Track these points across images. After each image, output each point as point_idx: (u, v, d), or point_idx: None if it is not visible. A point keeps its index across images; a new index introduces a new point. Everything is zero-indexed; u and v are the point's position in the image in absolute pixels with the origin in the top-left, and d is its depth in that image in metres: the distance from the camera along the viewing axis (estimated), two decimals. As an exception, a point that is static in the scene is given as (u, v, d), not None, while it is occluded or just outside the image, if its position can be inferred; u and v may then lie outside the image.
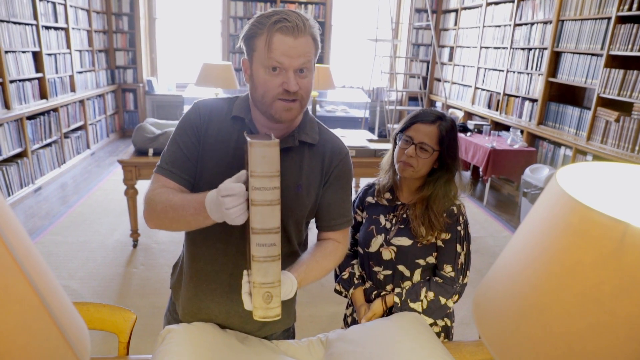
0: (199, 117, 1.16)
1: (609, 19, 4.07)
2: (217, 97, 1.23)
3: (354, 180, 4.98)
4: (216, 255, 1.19)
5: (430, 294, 1.41)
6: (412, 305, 1.41)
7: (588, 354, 0.46)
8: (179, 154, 1.14)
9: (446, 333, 1.51)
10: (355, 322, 1.49)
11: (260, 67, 1.04)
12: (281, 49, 1.01)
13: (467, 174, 5.95)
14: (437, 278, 1.44)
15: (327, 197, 1.21)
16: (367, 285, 1.54)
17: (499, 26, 5.97)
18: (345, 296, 1.58)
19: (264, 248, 0.92)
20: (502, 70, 5.84)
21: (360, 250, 1.55)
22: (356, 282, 1.55)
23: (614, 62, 4.09)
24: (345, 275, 1.57)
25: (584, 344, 0.46)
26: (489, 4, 6.20)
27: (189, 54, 7.52)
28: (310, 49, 1.05)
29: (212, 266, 1.21)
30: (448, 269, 1.43)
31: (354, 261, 1.60)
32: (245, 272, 0.99)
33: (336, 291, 1.61)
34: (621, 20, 3.98)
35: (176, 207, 1.03)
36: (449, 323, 1.52)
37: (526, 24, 5.41)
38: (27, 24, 4.72)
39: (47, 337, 0.46)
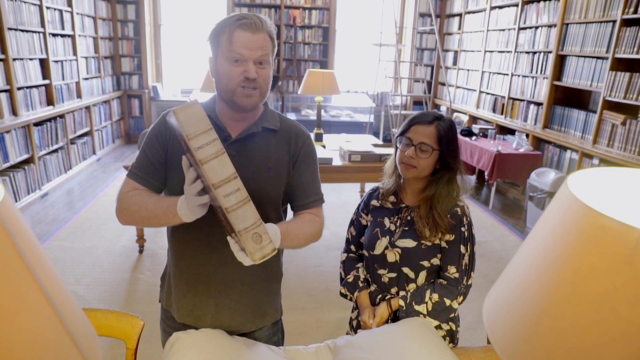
0: (164, 125, 1.25)
1: (614, 21, 4.06)
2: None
3: (358, 185, 5.01)
4: (200, 247, 1.26)
5: (435, 296, 1.42)
6: (417, 307, 1.41)
7: (602, 361, 0.46)
8: (145, 161, 1.25)
9: (451, 337, 1.51)
10: (360, 325, 1.49)
11: (224, 60, 1.17)
12: (241, 42, 1.14)
13: (473, 178, 5.93)
14: (441, 280, 1.45)
15: (298, 177, 1.31)
16: (372, 288, 1.54)
17: (503, 30, 5.96)
18: (351, 299, 1.59)
19: (232, 196, 0.96)
20: (507, 74, 5.83)
21: (366, 253, 1.56)
22: (361, 285, 1.56)
23: (620, 65, 4.08)
24: (350, 278, 1.58)
25: (598, 352, 0.46)
26: (492, 8, 6.19)
27: (193, 60, 7.56)
28: (267, 44, 1.18)
29: (199, 259, 1.27)
30: (452, 270, 1.43)
31: (359, 264, 1.61)
32: (229, 238, 1.04)
33: (341, 294, 1.61)
34: (626, 23, 3.97)
35: (149, 208, 1.16)
36: (453, 327, 1.51)
37: (530, 28, 5.40)
38: (35, 32, 4.76)
39: (59, 345, 0.46)
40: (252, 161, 1.24)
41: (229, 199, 0.96)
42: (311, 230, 1.28)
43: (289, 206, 1.40)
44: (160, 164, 1.24)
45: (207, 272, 1.28)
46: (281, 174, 1.28)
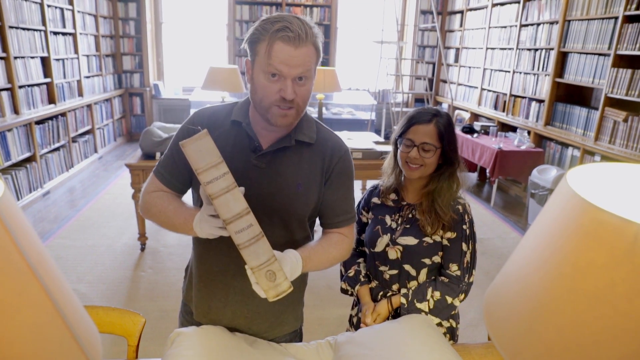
0: (194, 126, 1.19)
1: (616, 18, 4.04)
2: (219, 104, 1.26)
3: (360, 182, 5.00)
4: (220, 256, 1.22)
5: (437, 294, 1.42)
6: (418, 305, 1.41)
7: (602, 357, 0.46)
8: (171, 161, 1.21)
9: (451, 334, 1.51)
10: (360, 322, 1.50)
11: (261, 72, 1.06)
12: (281, 57, 1.03)
13: (474, 175, 5.93)
14: (443, 277, 1.45)
15: (330, 195, 1.22)
16: (374, 284, 1.54)
17: (505, 27, 5.95)
18: (351, 294, 1.59)
19: (244, 232, 0.93)
20: (509, 71, 5.82)
21: (367, 250, 1.56)
22: (362, 279, 1.56)
23: (622, 61, 4.07)
24: (351, 273, 1.58)
25: (597, 346, 0.46)
26: (494, 5, 6.18)
27: (195, 58, 7.56)
28: (310, 58, 1.07)
29: (218, 267, 1.23)
30: (454, 268, 1.43)
31: (360, 259, 1.61)
32: (246, 267, 1.01)
33: (342, 290, 1.61)
34: (628, 19, 3.95)
35: (169, 215, 1.14)
36: (454, 324, 1.52)
37: (532, 25, 5.39)
38: (36, 30, 4.77)
39: (60, 341, 0.46)
40: (281, 176, 1.15)
41: (240, 236, 0.93)
42: (337, 254, 1.21)
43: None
44: (185, 166, 1.16)
45: (226, 281, 1.23)
46: (311, 191, 1.19)
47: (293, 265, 1.04)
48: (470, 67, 6.93)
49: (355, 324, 1.60)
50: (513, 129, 5.70)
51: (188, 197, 1.30)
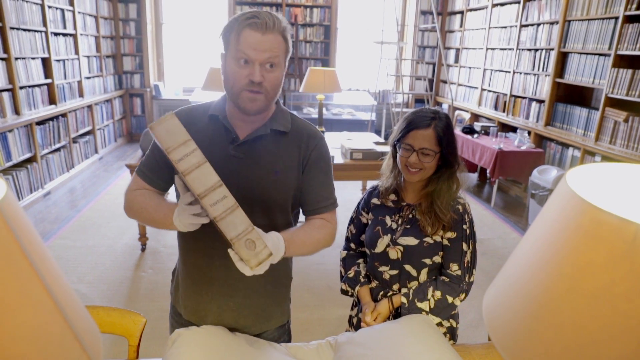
0: None
1: (616, 18, 4.04)
2: (197, 103, 1.31)
3: (360, 182, 5.01)
4: (204, 249, 1.25)
5: (437, 293, 1.42)
6: (419, 305, 1.42)
7: (601, 356, 0.46)
8: (152, 160, 1.25)
9: (451, 334, 1.51)
10: (360, 322, 1.50)
11: (232, 60, 1.12)
12: (249, 42, 1.09)
13: (474, 176, 5.93)
14: (443, 277, 1.45)
15: (309, 181, 1.26)
16: (374, 284, 1.54)
17: (505, 27, 5.95)
18: (352, 295, 1.59)
19: (219, 204, 0.96)
20: (509, 72, 5.82)
21: (367, 251, 1.56)
22: (362, 280, 1.56)
23: (622, 61, 4.07)
24: (351, 273, 1.58)
25: (596, 346, 0.46)
26: (494, 5, 6.18)
27: (195, 59, 7.57)
28: (278, 46, 1.12)
29: (203, 260, 1.26)
30: (454, 268, 1.44)
31: (360, 260, 1.61)
32: (229, 250, 1.03)
33: (342, 291, 1.61)
34: (629, 19, 3.95)
35: (150, 212, 1.17)
36: (454, 324, 1.52)
37: (532, 25, 5.39)
38: (37, 31, 4.77)
39: (61, 341, 0.47)
40: (259, 164, 1.20)
41: (215, 208, 0.95)
42: (320, 237, 1.24)
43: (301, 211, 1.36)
44: (165, 164, 1.22)
45: (211, 274, 1.26)
46: (289, 177, 1.23)
47: (275, 244, 1.05)
48: (470, 68, 6.93)
49: (355, 325, 1.60)
50: (513, 129, 5.70)
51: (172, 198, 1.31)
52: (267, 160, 1.21)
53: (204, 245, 1.24)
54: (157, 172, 1.24)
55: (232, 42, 1.11)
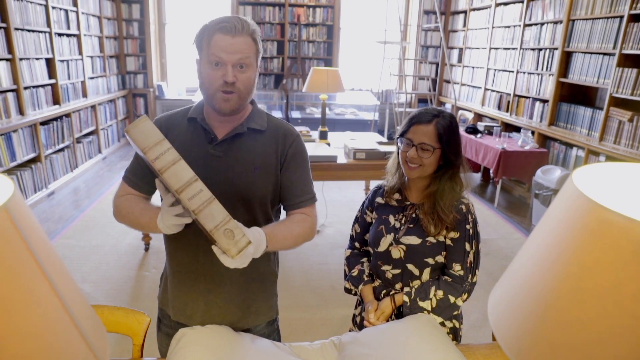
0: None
1: (621, 17, 4.03)
2: (177, 109, 1.37)
3: (363, 182, 5.00)
4: (189, 247, 1.28)
5: (440, 293, 1.42)
6: (421, 304, 1.41)
7: (608, 356, 0.46)
8: (136, 165, 1.30)
9: (454, 335, 1.51)
10: (364, 321, 1.50)
11: (205, 63, 1.18)
12: (220, 45, 1.15)
13: (477, 176, 5.92)
14: (446, 277, 1.45)
15: (288, 177, 1.30)
16: (376, 283, 1.54)
17: (509, 27, 5.93)
18: (355, 293, 1.59)
19: (195, 198, 0.99)
20: (512, 71, 5.81)
21: (371, 250, 1.56)
22: (365, 279, 1.56)
23: (627, 61, 4.05)
24: (355, 272, 1.59)
25: (604, 347, 0.46)
26: (498, 5, 6.16)
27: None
28: (248, 48, 1.18)
29: (188, 257, 1.29)
30: (457, 268, 1.43)
31: (364, 259, 1.62)
32: (213, 247, 1.05)
33: (346, 290, 1.62)
34: (633, 18, 3.94)
35: (136, 215, 1.22)
36: (457, 325, 1.52)
37: (536, 24, 5.37)
38: (41, 32, 4.79)
39: (68, 339, 0.47)
40: (239, 161, 1.24)
41: (193, 202, 0.99)
42: (300, 231, 1.28)
43: (282, 208, 1.40)
44: (148, 168, 1.25)
45: (197, 271, 1.30)
46: (268, 173, 1.27)
47: (256, 238, 1.08)
48: (473, 67, 6.92)
49: (358, 324, 1.61)
50: (517, 129, 5.69)
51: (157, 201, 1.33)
52: (246, 157, 1.25)
53: (188, 243, 1.27)
54: (141, 176, 1.29)
55: (205, 47, 1.17)
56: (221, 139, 1.24)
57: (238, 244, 1.01)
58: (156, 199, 1.33)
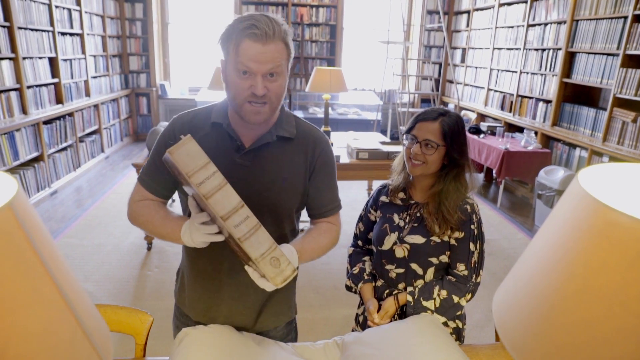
0: (174, 132, 1.20)
1: (625, 17, 4.01)
2: (197, 108, 1.28)
3: (366, 182, 5.00)
4: (213, 255, 1.23)
5: (444, 293, 1.42)
6: (424, 303, 1.41)
7: (613, 357, 0.46)
8: (153, 168, 1.22)
9: (457, 335, 1.51)
10: (367, 320, 1.50)
11: (232, 70, 1.09)
12: (249, 54, 1.05)
13: (481, 176, 5.90)
14: (450, 277, 1.45)
15: (315, 186, 1.26)
16: (379, 283, 1.54)
17: (512, 27, 5.92)
18: (355, 291, 1.59)
19: (242, 225, 0.95)
20: (515, 72, 5.79)
21: (374, 248, 1.56)
22: (366, 277, 1.56)
23: (631, 61, 4.03)
24: (356, 270, 1.59)
25: (609, 347, 0.46)
26: (501, 5, 6.15)
27: (201, 58, 7.58)
28: (280, 55, 1.08)
29: (211, 265, 1.25)
30: (461, 268, 1.43)
31: (366, 257, 1.62)
32: (246, 267, 1.03)
33: (347, 287, 1.62)
34: (638, 19, 3.92)
35: (155, 225, 1.17)
36: (460, 325, 1.51)
37: (540, 25, 5.35)
38: (44, 31, 4.80)
39: (72, 338, 0.47)
40: (266, 172, 1.18)
41: (239, 229, 0.95)
42: (327, 242, 1.26)
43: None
44: (167, 172, 1.18)
45: (220, 279, 1.25)
46: (296, 184, 1.22)
47: (290, 257, 1.06)
48: (476, 68, 6.90)
49: (361, 323, 1.60)
50: (520, 129, 5.67)
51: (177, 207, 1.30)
52: (274, 167, 1.19)
53: (212, 252, 1.20)
54: (159, 180, 1.22)
55: (231, 53, 1.08)
56: (249, 148, 1.17)
57: (284, 273, 0.98)
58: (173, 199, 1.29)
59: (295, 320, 1.48)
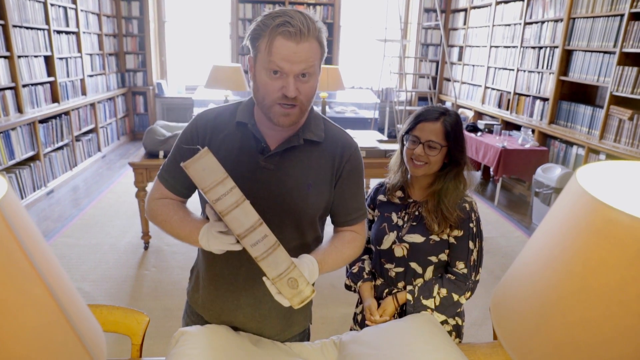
0: (197, 130, 1.17)
1: (622, 15, 4.02)
2: (221, 105, 1.23)
3: (364, 181, 4.97)
4: (230, 260, 1.19)
5: (443, 291, 1.42)
6: (424, 302, 1.41)
7: (612, 356, 0.45)
8: (174, 166, 1.18)
9: (457, 332, 1.51)
10: (365, 319, 1.49)
11: (262, 69, 1.03)
12: (282, 53, 0.99)
13: (478, 174, 5.91)
14: (449, 275, 1.45)
15: (341, 193, 1.20)
16: (379, 282, 1.54)
17: (509, 25, 5.92)
18: (354, 290, 1.59)
19: (259, 244, 0.91)
20: (513, 70, 5.80)
21: (373, 248, 1.55)
22: (365, 276, 1.56)
23: (627, 59, 4.04)
24: (355, 269, 1.59)
25: (608, 347, 0.45)
26: (498, 3, 6.15)
27: (198, 57, 7.56)
28: (314, 54, 1.02)
29: (228, 270, 1.21)
30: (460, 266, 1.43)
31: (365, 256, 1.61)
32: (264, 279, 0.98)
33: (346, 286, 1.62)
34: (634, 17, 3.93)
35: (173, 226, 1.13)
36: (459, 322, 1.51)
37: (537, 22, 5.36)
38: (39, 29, 4.77)
39: (63, 341, 0.46)
40: (291, 176, 1.12)
41: (256, 248, 0.91)
42: (351, 253, 1.21)
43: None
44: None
45: (237, 285, 1.21)
46: (322, 191, 1.16)
47: (310, 270, 1.03)
48: (474, 65, 6.91)
49: (359, 322, 1.60)
50: (517, 127, 5.68)
51: (194, 203, 1.28)
52: (299, 172, 1.13)
53: (230, 257, 1.14)
54: (179, 179, 1.17)
55: (262, 51, 1.01)
56: (274, 150, 1.11)
57: (301, 295, 0.94)
58: (193, 202, 1.25)
59: (309, 328, 1.43)
